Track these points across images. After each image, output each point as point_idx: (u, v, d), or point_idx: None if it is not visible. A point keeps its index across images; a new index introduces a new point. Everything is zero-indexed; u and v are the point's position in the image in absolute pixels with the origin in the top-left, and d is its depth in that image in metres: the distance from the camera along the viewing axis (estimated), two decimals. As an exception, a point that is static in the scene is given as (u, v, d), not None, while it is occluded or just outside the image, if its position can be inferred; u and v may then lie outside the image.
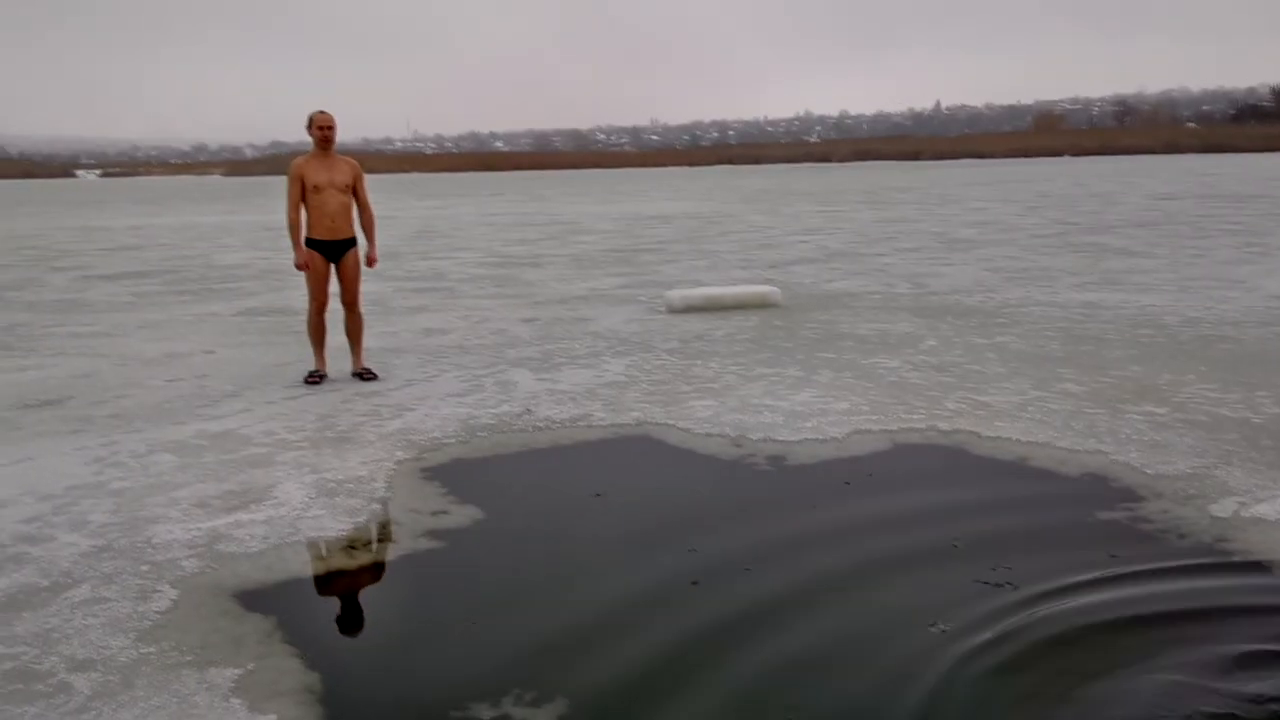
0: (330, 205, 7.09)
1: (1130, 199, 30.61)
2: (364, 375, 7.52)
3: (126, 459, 5.56)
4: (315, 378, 7.44)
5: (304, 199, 7.09)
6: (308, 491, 4.97)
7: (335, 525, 4.53)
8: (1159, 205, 27.24)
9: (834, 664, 3.25)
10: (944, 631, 3.41)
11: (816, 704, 3.03)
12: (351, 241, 7.34)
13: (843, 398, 6.65)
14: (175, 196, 64.00)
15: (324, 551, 4.26)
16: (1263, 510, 4.40)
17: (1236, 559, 3.95)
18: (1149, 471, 4.99)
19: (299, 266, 7.25)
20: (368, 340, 8.78)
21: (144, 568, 4.05)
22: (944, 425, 5.94)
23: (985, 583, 3.79)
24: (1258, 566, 3.88)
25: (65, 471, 5.35)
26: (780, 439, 5.74)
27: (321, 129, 7.10)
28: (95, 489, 5.05)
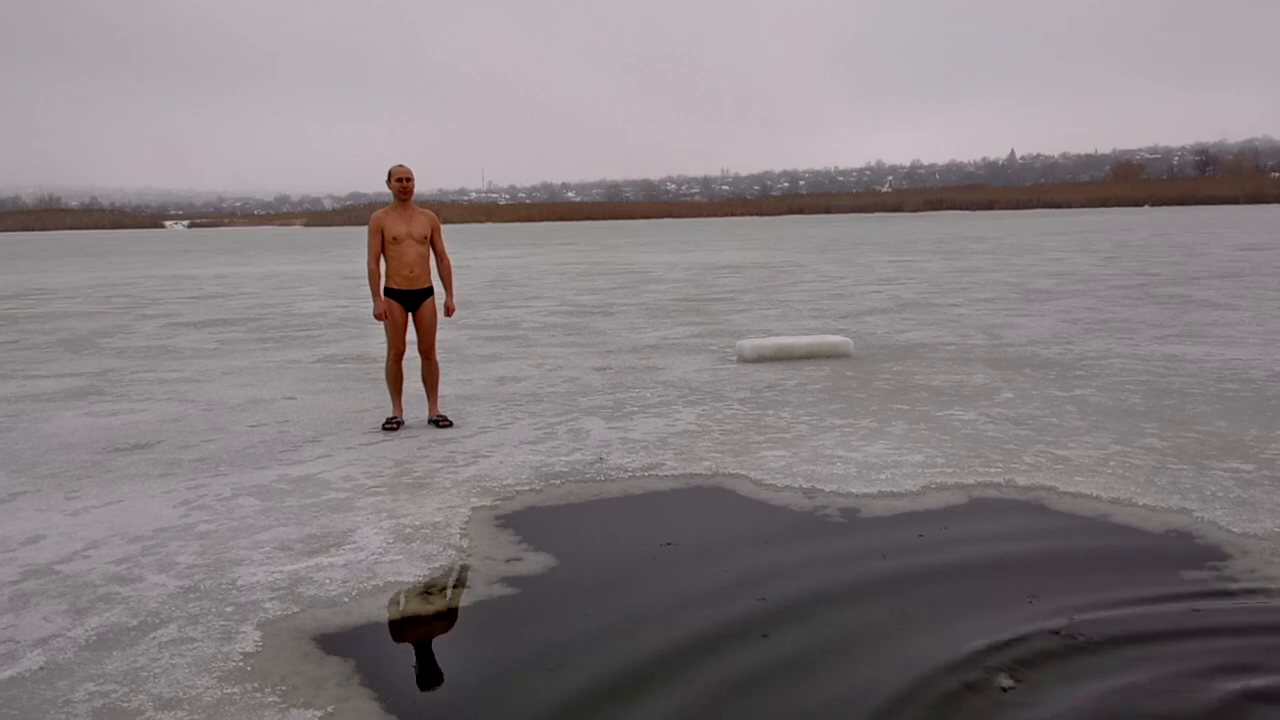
0: (409, 256, 7.31)
1: (1213, 250, 29.91)
2: (440, 422, 7.65)
3: (212, 502, 5.73)
4: (393, 424, 7.58)
5: (383, 250, 7.31)
6: (385, 537, 5.06)
7: (412, 570, 4.60)
8: (1244, 256, 26.57)
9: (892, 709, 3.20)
10: (1005, 689, 3.35)
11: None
12: (429, 291, 7.53)
13: (917, 450, 6.58)
14: (258, 247, 65.94)
15: (401, 597, 4.33)
16: (1358, 572, 4.24)
17: (1331, 623, 3.81)
18: (1235, 530, 4.85)
19: (378, 316, 7.42)
20: (443, 388, 8.94)
21: (228, 609, 4.16)
22: (1021, 480, 5.84)
23: (1056, 633, 3.71)
24: (1354, 631, 3.74)
25: (153, 514, 5.53)
26: (853, 491, 5.71)
27: (400, 181, 7.35)
28: (182, 531, 5.21)
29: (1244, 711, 3.20)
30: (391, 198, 7.42)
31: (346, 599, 4.29)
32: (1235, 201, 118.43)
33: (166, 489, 6.04)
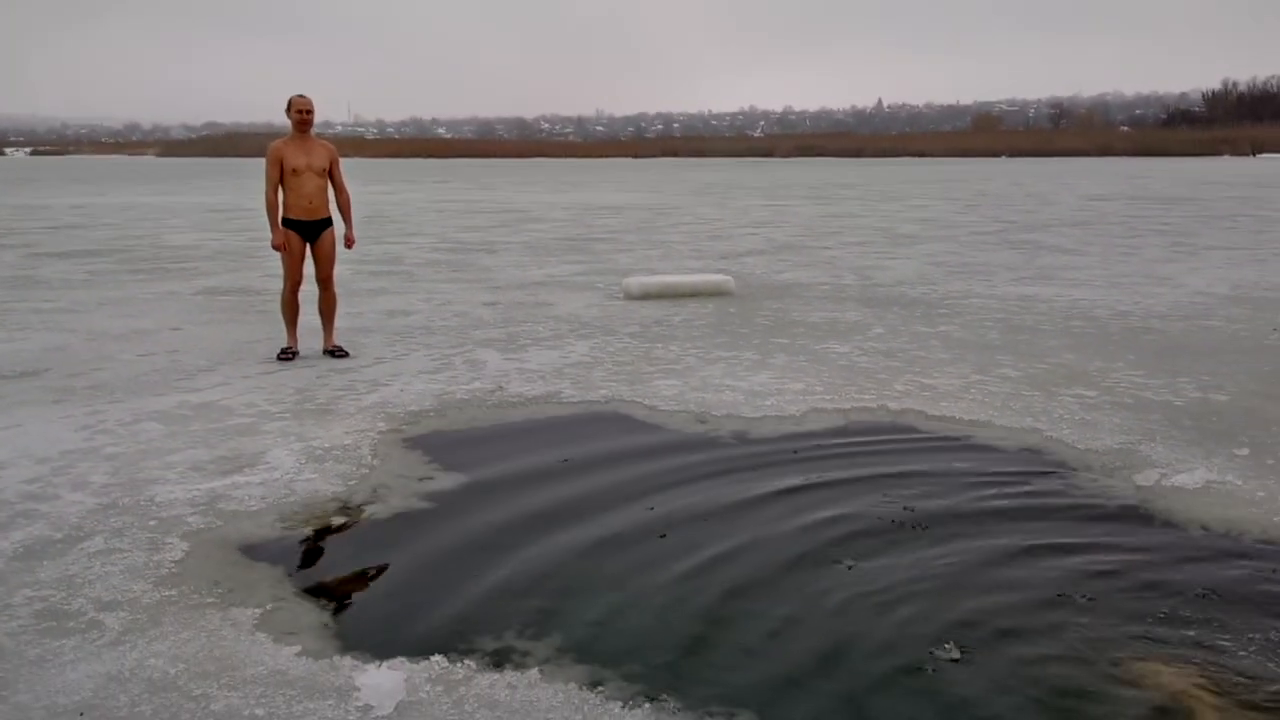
0: (308, 187, 7.32)
1: (1065, 199, 31.58)
2: (336, 353, 7.73)
3: (114, 427, 5.75)
4: (288, 354, 7.64)
5: (281, 180, 7.31)
6: (297, 458, 5.22)
7: (328, 488, 4.79)
8: (1092, 206, 28.18)
9: (765, 597, 3.61)
10: (850, 567, 3.80)
11: (747, 625, 3.39)
12: (328, 222, 7.58)
13: (798, 379, 7.04)
14: (113, 177, 62.76)
15: (320, 510, 4.53)
16: (1181, 480, 4.86)
17: (1156, 523, 4.40)
18: (1079, 446, 5.44)
19: (276, 246, 7.43)
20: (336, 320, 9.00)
21: (151, 523, 4.29)
22: (893, 405, 6.35)
23: (897, 521, 4.19)
24: (1171, 525, 4.33)
25: (56, 437, 5.53)
26: (742, 415, 6.11)
27: (300, 113, 7.33)
28: (89, 454, 5.25)
29: (1061, 583, 3.72)
30: (290, 128, 7.42)
31: (267, 513, 4.46)
32: (1087, 154, 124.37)
33: (64, 414, 6.02)
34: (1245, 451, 5.28)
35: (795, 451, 5.41)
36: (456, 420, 6.02)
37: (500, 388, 6.80)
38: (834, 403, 6.41)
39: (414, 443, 5.56)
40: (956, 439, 5.65)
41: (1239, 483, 4.81)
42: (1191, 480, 4.86)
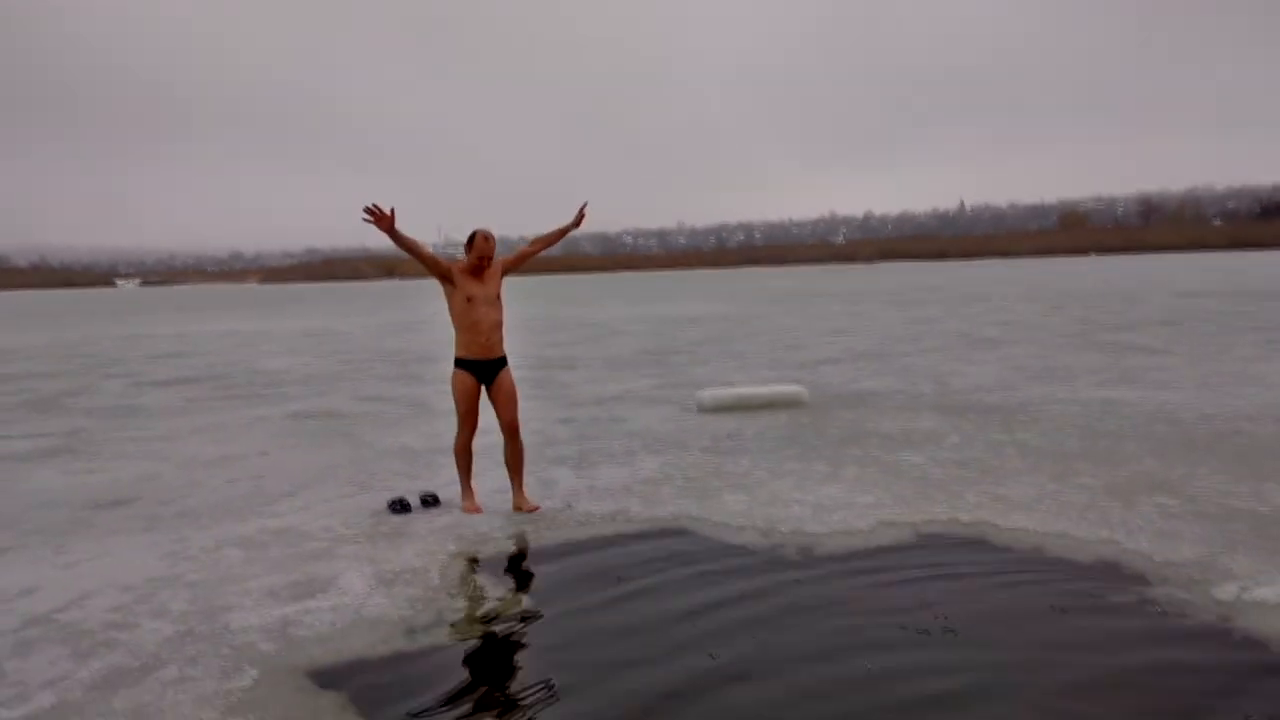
0: (484, 322, 6.53)
1: (1154, 297, 30.95)
2: (529, 511, 6.73)
3: (197, 553, 5.97)
4: (401, 506, 6.84)
5: (451, 306, 6.56)
6: (368, 581, 5.34)
7: (396, 611, 4.89)
8: (1182, 303, 27.55)
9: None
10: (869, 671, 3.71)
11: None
12: (503, 361, 6.75)
13: (868, 491, 6.98)
14: (214, 304, 65.71)
15: (387, 635, 4.62)
16: (1263, 594, 4.67)
17: (1235, 638, 4.23)
18: (1157, 559, 5.27)
19: (368, 211, 6.08)
20: (415, 441, 9.25)
21: (225, 650, 4.43)
22: (965, 517, 6.25)
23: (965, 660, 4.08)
24: (1255, 646, 4.15)
25: (142, 565, 5.76)
26: (808, 530, 6.08)
27: (481, 259, 6.48)
28: (171, 581, 5.45)
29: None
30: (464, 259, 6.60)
31: (336, 637, 4.57)
32: (1178, 249, 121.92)
33: (151, 542, 6.27)
34: (1334, 562, 5.06)
35: (853, 571, 5.35)
36: (524, 542, 6.10)
37: (569, 506, 6.88)
38: (904, 515, 6.34)
39: (482, 565, 5.65)
40: (1026, 553, 5.53)
41: (1326, 596, 4.60)
42: (1274, 594, 4.66)
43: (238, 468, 8.65)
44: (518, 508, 6.78)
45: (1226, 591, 4.73)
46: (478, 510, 6.74)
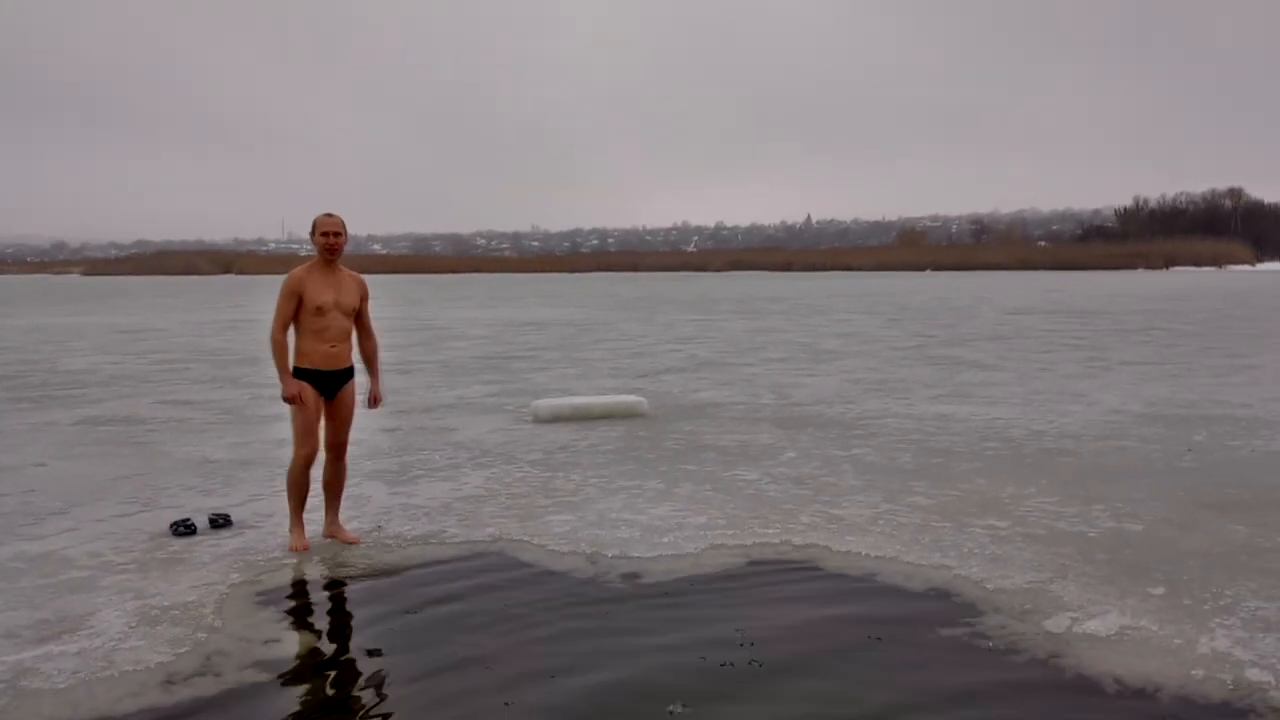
0: (333, 330, 5.75)
1: (984, 313, 32.14)
2: (344, 541, 5.98)
3: (-72, 585, 5.13)
4: (185, 528, 6.10)
5: (297, 319, 5.75)
6: (128, 619, 4.65)
7: (154, 656, 4.23)
8: (1011, 320, 28.65)
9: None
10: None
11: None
12: (350, 373, 5.99)
13: (701, 511, 6.64)
14: (27, 297, 61.39)
15: (140, 685, 3.97)
16: (1094, 626, 4.51)
17: (1067, 676, 4.03)
18: (989, 586, 5.09)
19: (289, 398, 5.70)
20: (214, 452, 8.47)
21: (-71, 710, 3.70)
22: (797, 539, 5.98)
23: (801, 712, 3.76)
24: (1085, 686, 3.96)
25: None
26: (634, 555, 5.68)
27: (327, 236, 5.75)
28: (-113, 620, 4.63)
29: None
30: (315, 253, 5.89)
31: (78, 689, 3.90)
32: (1007, 267, 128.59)
33: (-125, 571, 5.37)
34: (1160, 590, 4.97)
35: (674, 596, 4.98)
36: (319, 570, 5.50)
37: (379, 527, 6.31)
38: (735, 538, 6.02)
39: (267, 598, 5.02)
40: (858, 579, 5.27)
41: (1154, 628, 4.47)
42: (1104, 626, 4.51)
43: (6, 481, 7.69)
44: (331, 536, 6.01)
45: (1057, 623, 4.56)
46: (305, 548, 5.81)
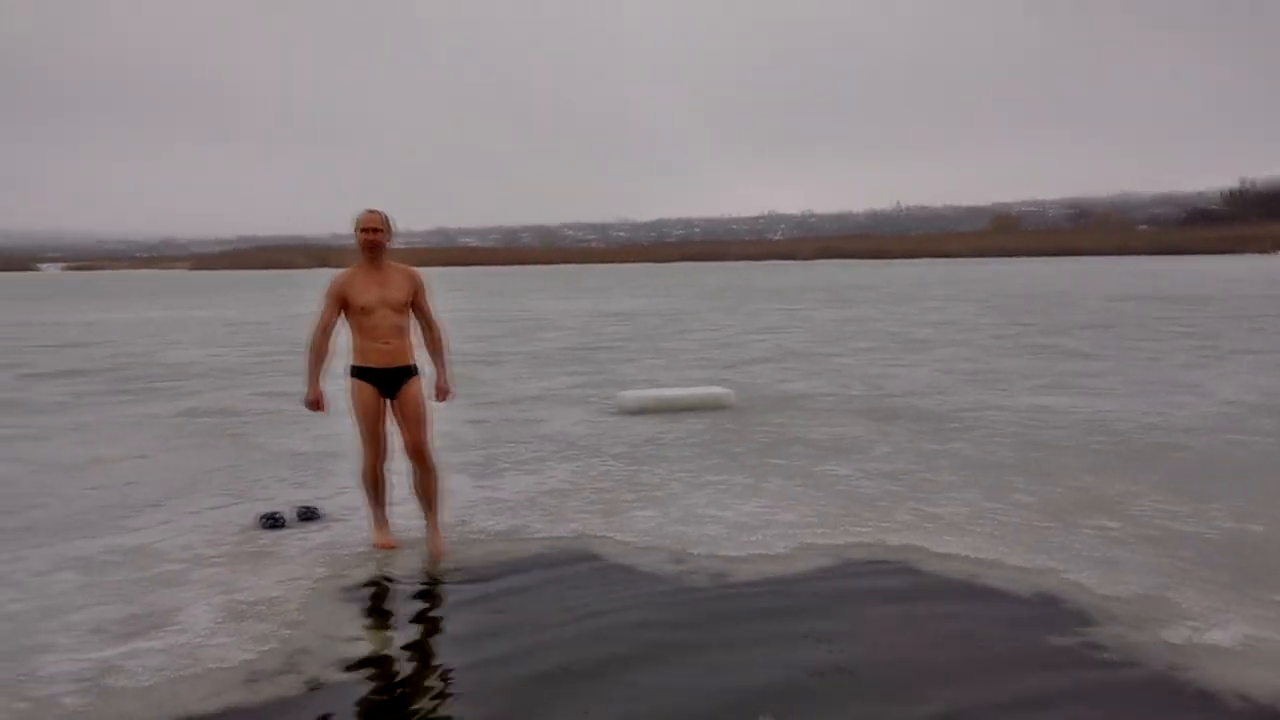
0: (383, 327, 5.55)
1: (1085, 300, 31.07)
2: (438, 555, 5.60)
3: (26, 578, 5.22)
4: (274, 521, 6.10)
5: (350, 321, 5.59)
6: (215, 615, 4.65)
7: (239, 655, 4.20)
8: (1113, 307, 27.63)
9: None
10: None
11: None
12: (410, 370, 5.71)
13: (791, 508, 6.43)
14: (135, 291, 63.68)
15: (222, 685, 3.94)
16: (1216, 637, 4.20)
17: (1188, 690, 3.74)
18: (1101, 592, 4.79)
19: (309, 404, 5.65)
20: (304, 444, 8.53)
21: (19, 705, 3.72)
22: (892, 539, 5.73)
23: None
24: (1208, 702, 3.66)
25: (-43, 591, 5.00)
26: (721, 554, 5.51)
27: (366, 232, 5.50)
28: (-14, 612, 4.71)
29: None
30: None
31: (161, 688, 3.88)
32: (1106, 253, 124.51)
33: (-22, 562, 5.49)
34: (1290, 598, 4.62)
35: (762, 597, 4.79)
36: (406, 563, 5.45)
37: (463, 521, 6.24)
38: (827, 536, 5.80)
39: (351, 594, 4.98)
40: (958, 582, 5.01)
41: (1284, 640, 4.14)
42: (1228, 636, 4.19)
43: (107, 472, 7.85)
44: (433, 550, 5.63)
45: (1177, 633, 4.25)
46: (390, 545, 5.69)
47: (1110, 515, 6.10)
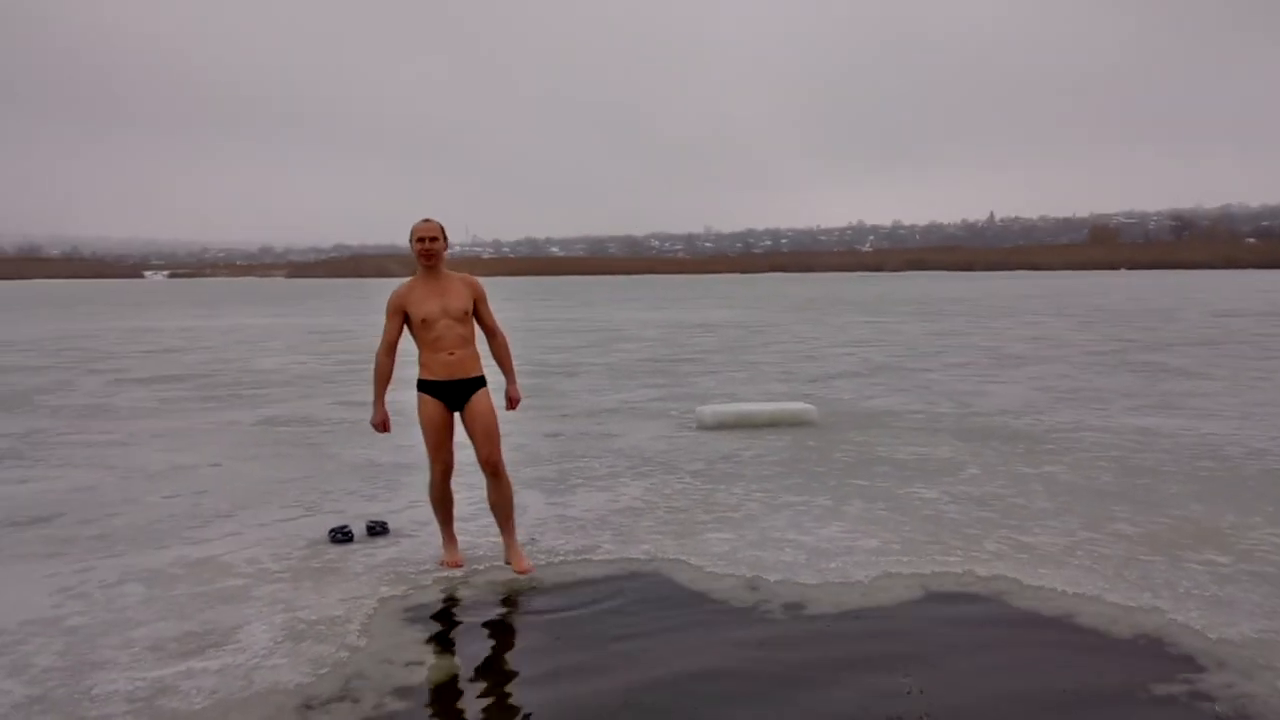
0: (447, 339, 5.41)
1: (1189, 315, 29.85)
2: (517, 569, 5.53)
3: (93, 589, 5.20)
4: (341, 535, 6.09)
5: (414, 335, 5.48)
6: (274, 634, 4.55)
7: (294, 677, 4.09)
8: (1219, 323, 26.45)
9: None
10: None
11: None
12: (479, 381, 5.55)
13: (873, 533, 6.13)
14: (233, 299, 65.52)
15: (275, 710, 3.82)
16: (1347, 692, 3.80)
17: (1319, 757, 3.36)
18: (1211, 635, 4.40)
19: (376, 425, 5.63)
20: (381, 455, 8.46)
21: (71, 726, 3.65)
22: (981, 570, 5.40)
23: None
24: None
25: (26, 602, 5.00)
26: (799, 580, 5.24)
27: (422, 242, 5.37)
28: (50, 624, 4.68)
29: None
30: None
31: (212, 711, 3.78)
32: (1211, 266, 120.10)
33: (50, 572, 5.51)
34: None
35: (839, 631, 4.51)
36: (471, 585, 5.30)
37: (533, 540, 6.08)
38: (911, 565, 5.49)
39: (414, 614, 4.85)
40: (1053, 619, 4.67)
41: None
42: (1362, 694, 3.79)
43: (183, 481, 7.89)
44: (508, 562, 5.58)
45: (1300, 687, 3.86)
46: (458, 564, 5.58)
47: (1220, 549, 5.66)
